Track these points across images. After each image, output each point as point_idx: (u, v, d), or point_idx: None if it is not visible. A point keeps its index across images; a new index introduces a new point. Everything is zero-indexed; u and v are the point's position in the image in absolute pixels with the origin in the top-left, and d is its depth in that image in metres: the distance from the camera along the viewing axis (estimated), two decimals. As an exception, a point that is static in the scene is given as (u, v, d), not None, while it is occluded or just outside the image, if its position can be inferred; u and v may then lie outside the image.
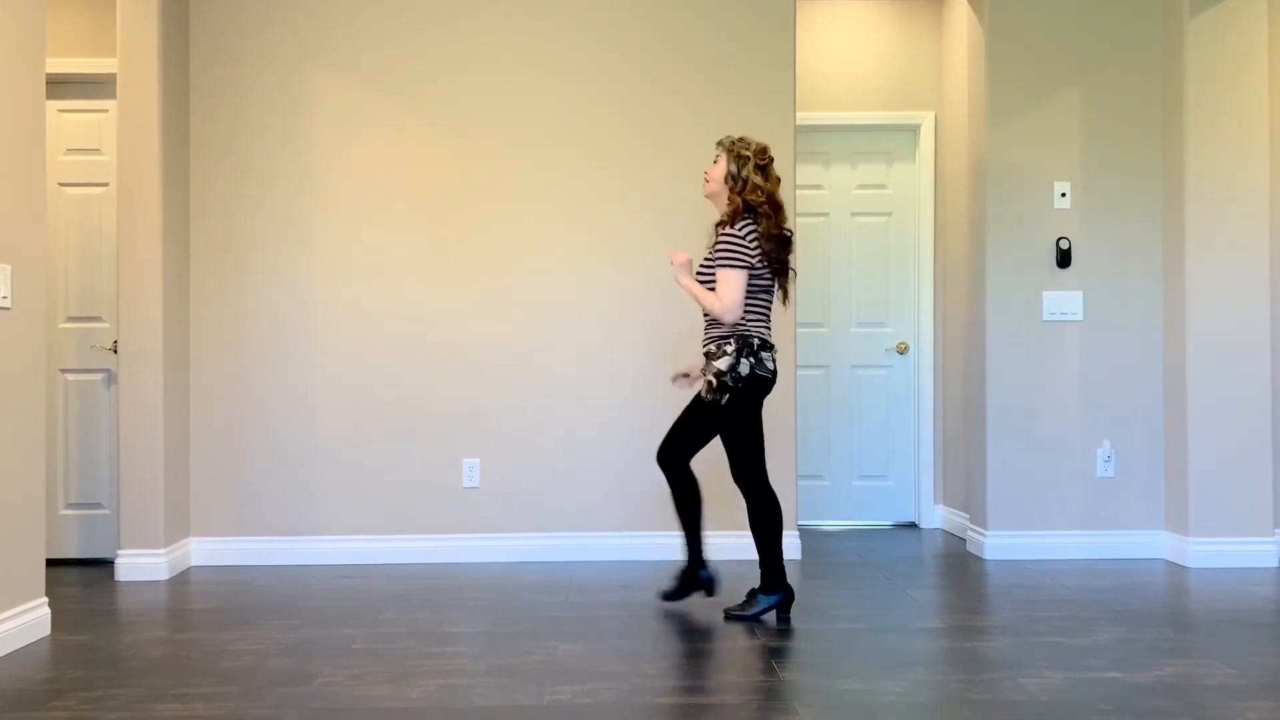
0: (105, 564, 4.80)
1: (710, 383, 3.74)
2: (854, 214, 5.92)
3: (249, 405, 4.86)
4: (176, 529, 4.70)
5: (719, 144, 3.88)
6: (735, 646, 3.48)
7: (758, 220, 3.75)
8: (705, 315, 3.87)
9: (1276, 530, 4.81)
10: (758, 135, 4.89)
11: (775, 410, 4.92)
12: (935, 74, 5.86)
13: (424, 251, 4.90)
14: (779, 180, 3.85)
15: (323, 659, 3.34)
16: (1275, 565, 4.69)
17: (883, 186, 5.92)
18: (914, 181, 5.91)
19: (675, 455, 3.91)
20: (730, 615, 3.84)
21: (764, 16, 4.94)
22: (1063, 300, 4.92)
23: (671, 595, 3.98)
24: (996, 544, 4.91)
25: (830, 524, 5.84)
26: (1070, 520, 4.91)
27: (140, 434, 4.53)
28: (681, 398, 4.93)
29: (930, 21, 5.87)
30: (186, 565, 4.78)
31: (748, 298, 3.76)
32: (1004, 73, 4.93)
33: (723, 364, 3.71)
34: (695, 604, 4.04)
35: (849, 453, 5.91)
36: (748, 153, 3.79)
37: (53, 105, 4.77)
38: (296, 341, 4.88)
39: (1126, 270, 4.93)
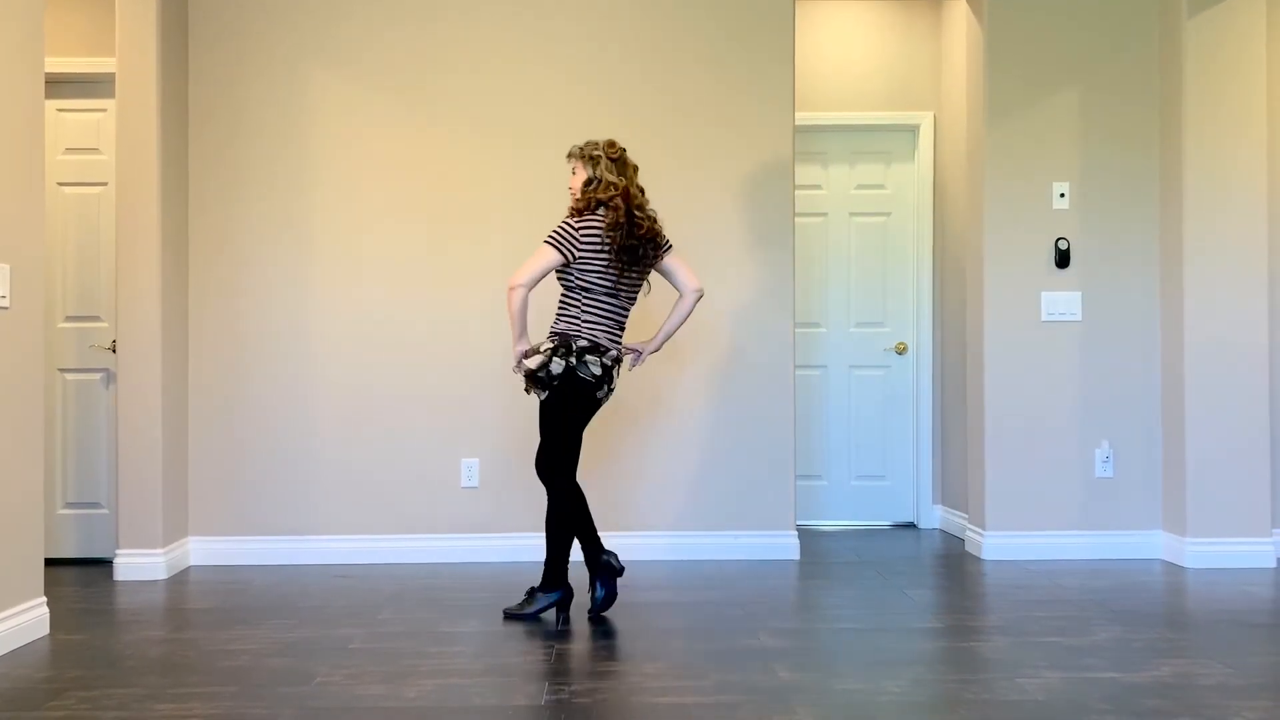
0: (104, 563, 4.79)
1: (525, 377, 3.76)
2: (852, 214, 5.92)
3: (247, 405, 4.86)
4: (175, 529, 4.70)
5: (569, 155, 3.87)
6: (734, 647, 3.49)
7: (607, 214, 3.72)
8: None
9: (1274, 530, 4.82)
10: (757, 135, 4.94)
11: (773, 410, 4.93)
12: (934, 74, 5.86)
13: (424, 250, 4.90)
14: (636, 168, 3.84)
15: (320, 658, 3.34)
16: (1272, 565, 4.70)
17: (881, 187, 5.92)
18: (913, 182, 5.91)
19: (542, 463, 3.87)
20: (509, 614, 3.84)
21: (763, 16, 4.94)
22: (1061, 300, 4.92)
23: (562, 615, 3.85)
24: (995, 544, 4.91)
25: (828, 524, 5.85)
26: (1068, 520, 4.92)
27: (139, 433, 4.53)
28: (682, 396, 4.94)
29: (929, 22, 5.87)
30: (185, 565, 4.78)
31: (587, 298, 3.74)
32: (1003, 73, 4.93)
33: (533, 363, 3.72)
34: (690, 603, 4.04)
35: (847, 453, 5.91)
36: (597, 152, 3.80)
37: (51, 104, 4.77)
38: (295, 341, 4.88)
39: (1125, 271, 4.94)
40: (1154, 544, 4.91)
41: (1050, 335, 4.93)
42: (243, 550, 4.84)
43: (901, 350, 5.89)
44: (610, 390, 3.84)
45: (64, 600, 4.13)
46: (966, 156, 5.28)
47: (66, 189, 4.90)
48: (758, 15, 4.94)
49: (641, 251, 3.78)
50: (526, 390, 3.83)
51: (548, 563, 3.85)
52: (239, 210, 4.87)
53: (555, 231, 3.73)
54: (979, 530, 5.00)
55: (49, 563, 4.49)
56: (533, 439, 4.88)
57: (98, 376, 4.91)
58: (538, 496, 4.89)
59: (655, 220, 3.82)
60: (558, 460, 3.82)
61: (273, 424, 4.87)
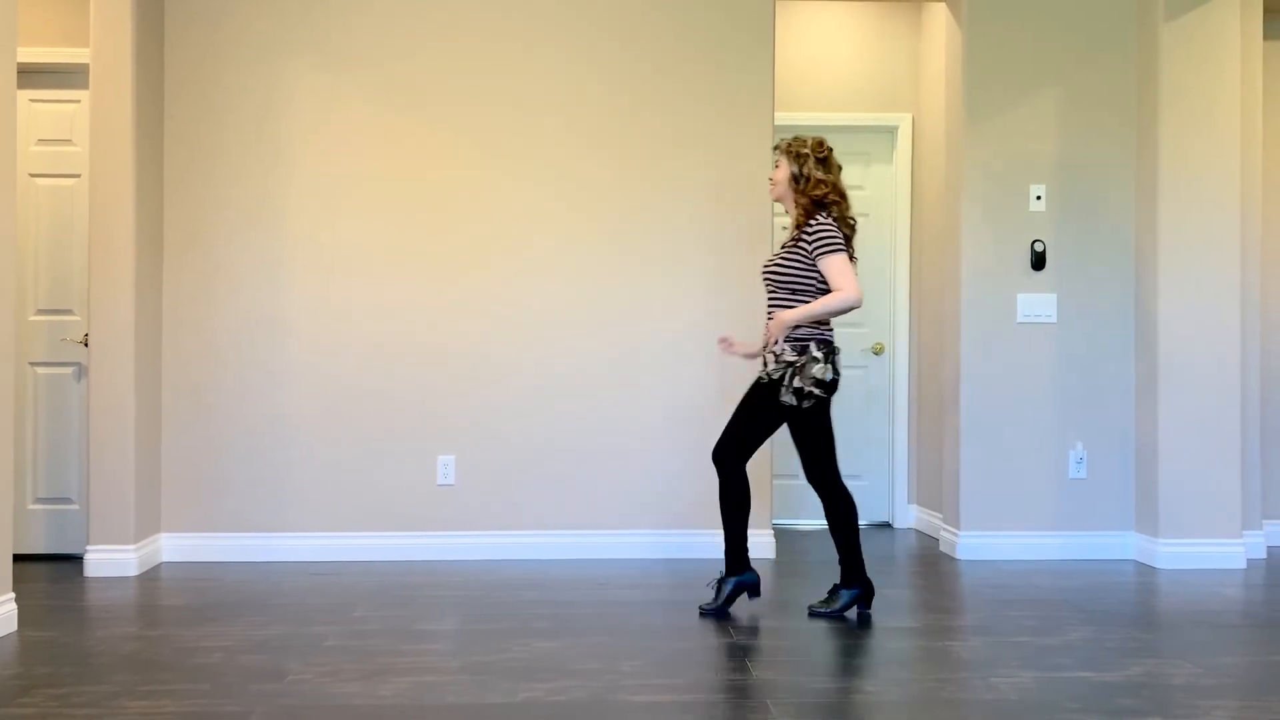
0: (74, 559, 4.74)
1: (802, 390, 3.74)
2: (831, 214, 5.92)
3: (222, 400, 4.82)
4: (147, 524, 4.65)
5: (775, 148, 3.97)
6: (709, 645, 3.49)
7: (829, 210, 3.80)
8: (771, 309, 3.85)
9: (1244, 532, 4.87)
10: (734, 134, 4.94)
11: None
12: (913, 76, 5.89)
13: (400, 244, 4.88)
14: (840, 168, 3.91)
15: (294, 656, 3.31)
16: (1243, 566, 4.75)
17: (860, 188, 5.93)
18: (891, 183, 5.93)
19: (733, 455, 3.87)
20: (814, 612, 3.86)
21: (743, 17, 4.94)
22: (1037, 302, 4.96)
23: (713, 609, 3.87)
24: (969, 544, 4.94)
25: (805, 523, 5.86)
26: (1042, 521, 4.95)
27: (111, 428, 4.48)
28: (661, 396, 4.93)
29: (909, 24, 5.90)
30: (157, 561, 4.74)
31: (819, 297, 3.78)
32: (981, 75, 4.96)
33: (818, 371, 3.73)
34: (667, 602, 4.04)
35: (824, 452, 5.92)
36: (805, 150, 3.85)
37: (24, 95, 4.72)
38: (270, 335, 4.84)
39: (1100, 273, 4.97)
40: (1126, 544, 4.95)
41: (1026, 337, 4.96)
42: (216, 547, 4.80)
43: (879, 351, 5.91)
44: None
45: (33, 596, 4.09)
46: (944, 158, 5.31)
47: (39, 180, 4.85)
48: (737, 16, 4.94)
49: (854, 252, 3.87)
50: (788, 400, 3.75)
51: (842, 561, 3.88)
52: (214, 203, 4.83)
53: (829, 238, 3.73)
54: (953, 530, 5.03)
55: (18, 558, 4.43)
56: (509, 436, 4.88)
57: (69, 370, 4.86)
58: (514, 494, 4.89)
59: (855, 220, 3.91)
60: (823, 466, 3.84)
61: (247, 419, 4.83)
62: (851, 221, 3.87)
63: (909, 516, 5.89)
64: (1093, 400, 4.96)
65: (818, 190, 3.81)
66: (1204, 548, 4.75)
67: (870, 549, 5.24)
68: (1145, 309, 4.89)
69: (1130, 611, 3.98)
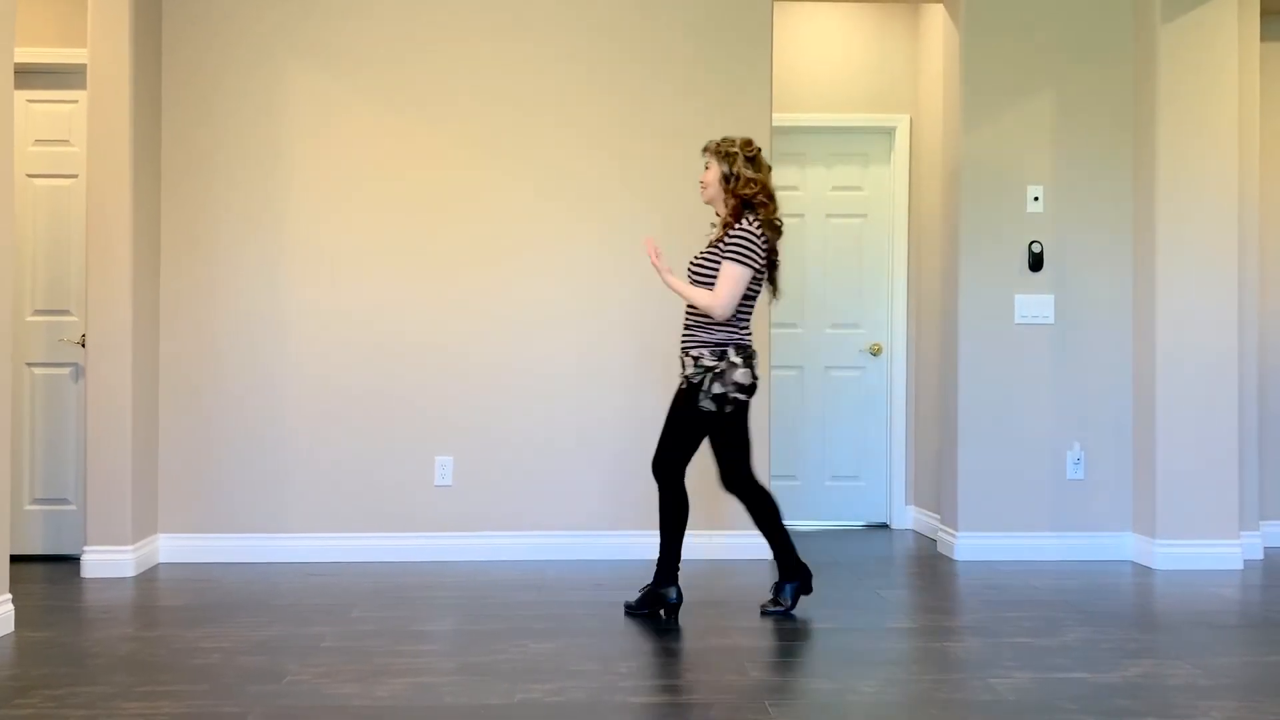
0: (71, 560, 4.74)
1: (725, 395, 3.72)
2: (829, 215, 5.94)
3: (219, 400, 4.82)
4: (144, 525, 4.65)
5: (705, 149, 3.91)
6: (707, 646, 3.49)
7: (757, 212, 3.77)
8: (690, 314, 3.86)
9: (1242, 533, 4.87)
10: (736, 135, 4.92)
11: (749, 410, 4.93)
12: (911, 77, 5.89)
13: (399, 244, 4.87)
14: (769, 168, 3.88)
15: (292, 657, 3.31)
16: (1240, 567, 4.75)
17: (858, 188, 5.94)
18: (889, 183, 5.94)
19: (667, 468, 3.87)
20: (766, 612, 3.87)
21: (741, 18, 4.94)
22: (1034, 303, 4.96)
23: (634, 608, 3.91)
24: (967, 545, 4.94)
25: (802, 524, 5.86)
26: (1040, 522, 4.95)
27: (108, 429, 4.48)
28: (657, 397, 4.93)
29: (907, 25, 5.90)
30: (154, 562, 4.74)
31: (747, 303, 3.79)
32: (979, 77, 4.96)
33: (740, 376, 3.72)
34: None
35: (821, 453, 5.93)
36: (734, 149, 3.82)
37: (21, 95, 4.71)
38: (268, 336, 4.84)
39: (1098, 274, 4.98)
40: (1124, 545, 4.96)
41: (1023, 338, 4.96)
42: (213, 548, 4.80)
43: (876, 351, 5.92)
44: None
45: (30, 597, 4.08)
46: (942, 159, 5.31)
47: (36, 181, 4.84)
48: (736, 17, 4.94)
49: (777, 259, 3.86)
50: (706, 406, 3.75)
51: (777, 557, 3.90)
52: (212, 203, 4.83)
53: (741, 247, 3.71)
54: (951, 531, 5.03)
55: (15, 559, 4.41)
56: (506, 437, 4.88)
57: (66, 371, 4.86)
58: (511, 495, 4.89)
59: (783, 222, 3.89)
60: (737, 466, 3.84)
61: (245, 420, 4.82)
62: (778, 223, 3.84)
63: (906, 517, 5.89)
64: (1090, 401, 4.97)
65: (747, 189, 3.78)
66: (1201, 549, 4.75)
67: (868, 549, 5.25)
68: (1143, 310, 4.89)
69: (1128, 612, 3.98)
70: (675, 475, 3.86)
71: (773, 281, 3.89)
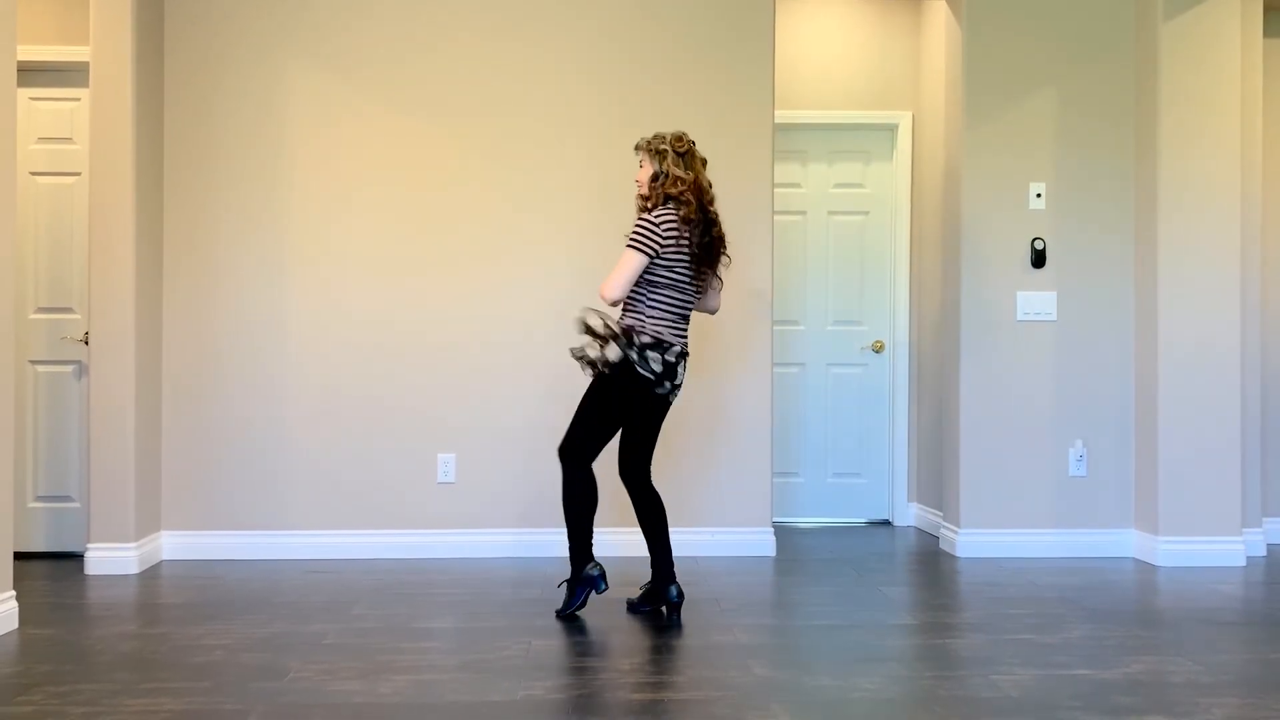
0: (74, 558, 4.74)
1: (597, 361, 3.72)
2: (831, 212, 5.93)
3: (222, 398, 4.82)
4: (147, 523, 4.66)
5: (637, 148, 3.87)
6: (709, 643, 3.49)
7: (679, 208, 3.73)
8: (630, 299, 3.81)
9: (1244, 529, 4.87)
10: (736, 133, 4.93)
11: (751, 408, 4.94)
12: (913, 74, 5.88)
13: (400, 244, 4.88)
14: (705, 162, 3.84)
15: (294, 654, 3.32)
16: (1242, 564, 4.75)
17: (860, 185, 5.94)
18: (891, 180, 5.93)
19: (622, 466, 3.89)
20: (561, 616, 3.81)
21: (743, 15, 4.94)
22: (1037, 300, 4.96)
23: (636, 605, 3.90)
24: (969, 542, 4.94)
25: (804, 521, 5.86)
26: (1042, 519, 4.95)
27: (111, 427, 4.48)
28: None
29: (909, 22, 5.89)
30: (157, 559, 4.74)
31: (653, 292, 3.73)
32: (981, 73, 4.96)
33: (611, 352, 3.68)
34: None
35: (823, 450, 5.93)
36: (664, 146, 3.78)
37: (24, 93, 4.71)
38: (270, 334, 4.84)
39: (1100, 271, 4.97)
40: (1127, 542, 4.95)
41: (1026, 335, 4.96)
42: (216, 545, 4.80)
43: (879, 348, 5.91)
44: (676, 388, 3.80)
45: (33, 594, 4.09)
46: (944, 156, 5.30)
47: (39, 179, 4.85)
48: (738, 13, 4.94)
49: (714, 252, 3.80)
50: (583, 370, 3.77)
51: (579, 548, 3.83)
52: (214, 201, 4.83)
53: (636, 232, 3.69)
54: (953, 528, 5.03)
55: (18, 556, 4.42)
56: (508, 434, 4.89)
57: (69, 369, 4.86)
58: (513, 492, 4.89)
59: (718, 216, 3.82)
60: (578, 444, 3.81)
61: (247, 417, 4.83)
62: (712, 216, 3.78)
63: (909, 514, 5.89)
64: (1093, 398, 4.97)
65: (673, 189, 3.74)
66: (1204, 545, 4.75)
67: (871, 546, 5.25)
68: (1145, 306, 4.89)
69: (1130, 609, 3.98)
70: (631, 473, 3.88)
71: (709, 273, 3.82)
